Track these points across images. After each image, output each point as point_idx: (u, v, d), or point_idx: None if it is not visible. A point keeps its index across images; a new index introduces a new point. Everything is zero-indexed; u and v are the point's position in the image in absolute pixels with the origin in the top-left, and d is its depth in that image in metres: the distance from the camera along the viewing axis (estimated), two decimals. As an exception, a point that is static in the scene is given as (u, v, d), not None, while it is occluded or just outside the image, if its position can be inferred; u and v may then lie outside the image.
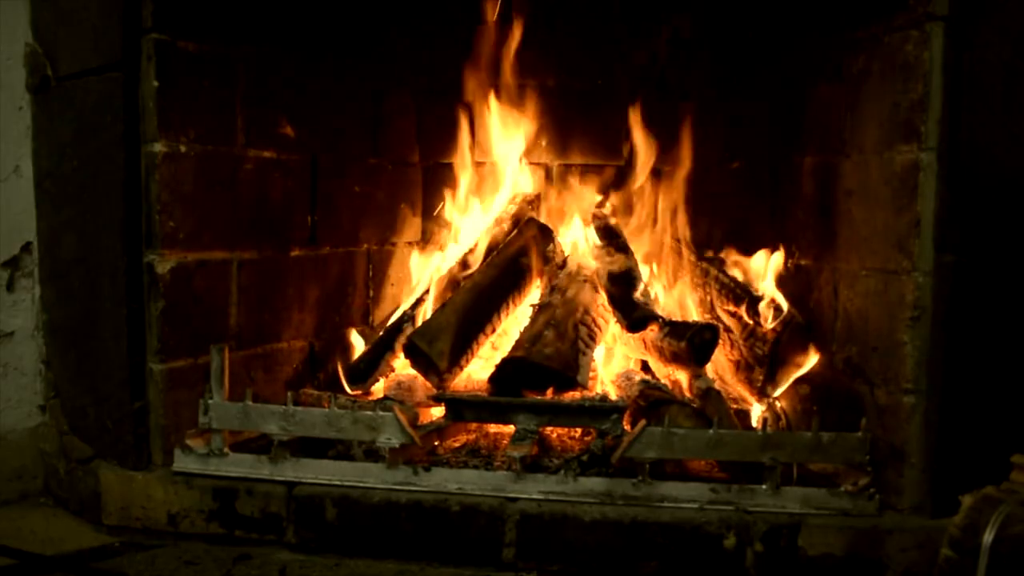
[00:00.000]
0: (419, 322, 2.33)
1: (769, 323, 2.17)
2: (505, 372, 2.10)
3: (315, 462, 1.86)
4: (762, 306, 2.19)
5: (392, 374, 2.32)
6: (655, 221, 2.61)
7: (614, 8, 2.62)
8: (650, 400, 2.02)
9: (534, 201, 2.65)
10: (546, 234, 2.46)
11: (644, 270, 2.43)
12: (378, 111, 2.55)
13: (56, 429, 2.15)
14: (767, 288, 2.25)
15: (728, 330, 2.26)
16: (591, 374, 2.22)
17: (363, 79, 2.46)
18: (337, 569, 1.77)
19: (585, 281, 2.33)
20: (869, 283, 1.86)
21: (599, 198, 2.65)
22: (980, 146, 1.68)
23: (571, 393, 2.09)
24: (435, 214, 2.75)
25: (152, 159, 1.88)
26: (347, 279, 2.46)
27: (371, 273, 2.55)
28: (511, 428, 2.00)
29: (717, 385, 2.19)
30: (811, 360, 2.11)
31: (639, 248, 2.53)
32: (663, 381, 2.25)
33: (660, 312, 2.28)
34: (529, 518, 1.75)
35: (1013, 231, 1.68)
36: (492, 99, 2.65)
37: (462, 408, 2.00)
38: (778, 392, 2.17)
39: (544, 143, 2.72)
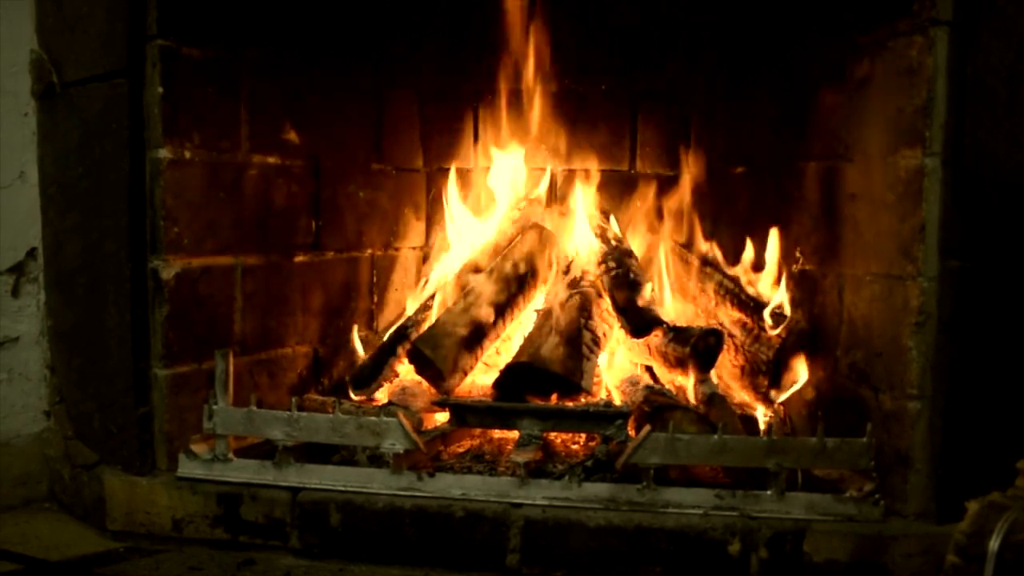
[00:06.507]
0: (423, 327, 2.33)
1: (774, 328, 2.17)
2: (509, 377, 2.10)
3: (319, 468, 1.86)
4: (766, 311, 2.19)
5: (396, 380, 2.32)
6: (659, 226, 2.61)
7: (620, 12, 2.62)
8: (654, 406, 2.02)
9: (538, 206, 2.65)
10: (550, 239, 2.47)
11: (648, 275, 2.43)
12: (381, 115, 2.55)
13: (61, 434, 2.15)
14: (771, 293, 2.25)
15: (732, 335, 2.26)
16: (595, 379, 2.21)
17: (366, 83, 2.47)
18: (341, 575, 1.76)
19: (589, 286, 2.33)
20: (874, 288, 1.86)
21: (603, 203, 2.65)
22: (984, 151, 1.68)
23: (575, 398, 2.09)
24: (439, 219, 2.76)
25: (157, 165, 1.89)
26: (351, 284, 2.46)
27: (375, 278, 2.56)
28: (515, 434, 2.00)
29: (721, 390, 2.18)
30: (816, 365, 2.10)
31: (643, 253, 2.53)
32: (667, 387, 2.25)
33: (664, 317, 2.28)
34: (533, 524, 1.75)
35: (1017, 236, 1.68)
36: (496, 103, 2.65)
37: (466, 413, 2.00)
38: (783, 397, 2.17)
39: (548, 147, 2.72)
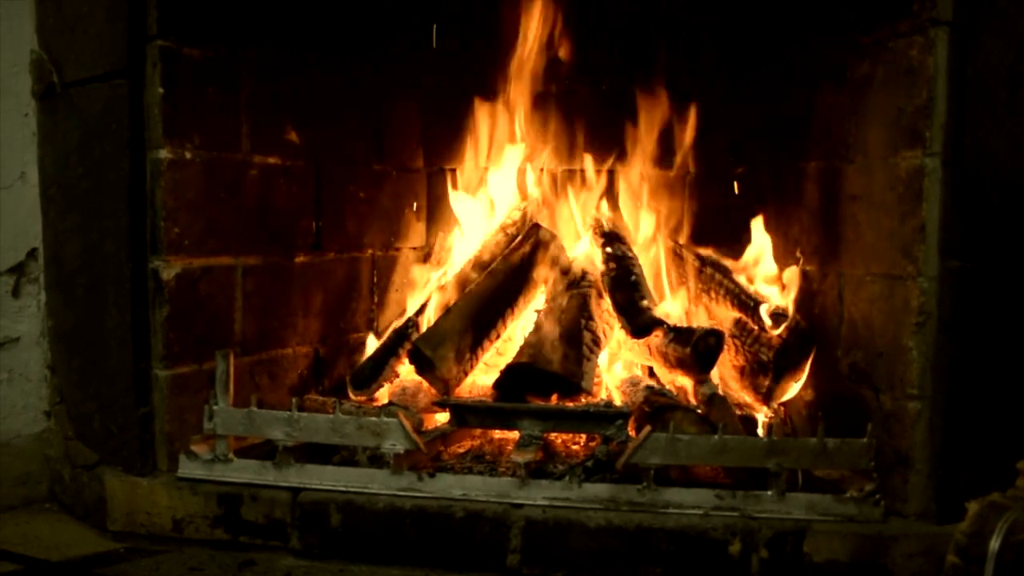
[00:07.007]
0: (423, 328, 2.33)
1: (774, 329, 2.17)
2: (509, 378, 2.10)
3: (320, 468, 1.86)
4: (767, 311, 2.19)
5: (397, 380, 2.32)
6: (660, 226, 2.61)
7: (620, 12, 2.62)
8: (655, 406, 2.02)
9: (538, 206, 2.66)
10: (551, 239, 2.46)
11: (649, 275, 2.43)
12: (382, 116, 2.55)
13: (61, 435, 2.15)
14: (772, 294, 2.25)
15: (733, 336, 2.26)
16: (595, 380, 2.22)
17: (367, 84, 2.47)
18: (341, 575, 1.77)
19: (590, 287, 2.33)
20: (874, 288, 1.86)
21: (604, 203, 2.65)
22: (984, 151, 1.68)
23: (576, 399, 2.09)
24: (439, 219, 2.76)
25: (157, 165, 1.89)
26: (352, 285, 2.46)
27: (376, 279, 2.56)
28: (516, 434, 2.00)
29: (722, 391, 2.18)
30: (816, 365, 2.10)
31: (643, 253, 2.53)
32: (668, 387, 2.25)
33: (664, 318, 2.28)
34: (534, 524, 1.75)
35: (1017, 236, 1.68)
36: (496, 103, 2.65)
37: (466, 414, 2.00)
38: (783, 398, 2.17)
39: (548, 147, 2.72)
